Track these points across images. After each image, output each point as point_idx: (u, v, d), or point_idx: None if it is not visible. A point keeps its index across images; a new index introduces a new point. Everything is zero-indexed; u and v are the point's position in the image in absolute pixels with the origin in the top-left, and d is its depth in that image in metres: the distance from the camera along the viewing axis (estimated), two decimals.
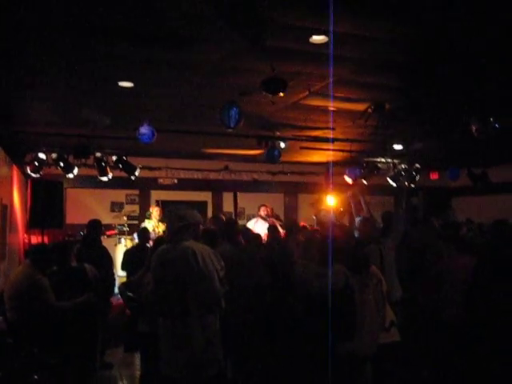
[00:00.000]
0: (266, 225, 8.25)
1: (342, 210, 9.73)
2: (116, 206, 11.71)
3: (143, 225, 9.63)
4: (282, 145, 8.73)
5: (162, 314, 4.06)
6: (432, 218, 7.00)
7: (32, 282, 5.28)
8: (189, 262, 3.88)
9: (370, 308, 4.06)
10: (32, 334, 5.24)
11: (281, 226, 8.49)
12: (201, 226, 4.32)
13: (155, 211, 9.78)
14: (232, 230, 5.64)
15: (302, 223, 8.70)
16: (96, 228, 6.85)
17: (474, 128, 6.37)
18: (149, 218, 9.85)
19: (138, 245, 7.31)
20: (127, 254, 7.02)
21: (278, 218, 9.57)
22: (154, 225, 9.57)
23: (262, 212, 9.28)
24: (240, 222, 6.98)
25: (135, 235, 9.19)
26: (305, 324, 3.39)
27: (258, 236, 6.21)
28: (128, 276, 6.67)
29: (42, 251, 5.63)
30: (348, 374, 3.84)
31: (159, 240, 5.12)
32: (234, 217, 9.71)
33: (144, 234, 7.36)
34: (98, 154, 9.06)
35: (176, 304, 3.92)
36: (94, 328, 5.78)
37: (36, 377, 5.29)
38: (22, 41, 4.46)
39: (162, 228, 9.17)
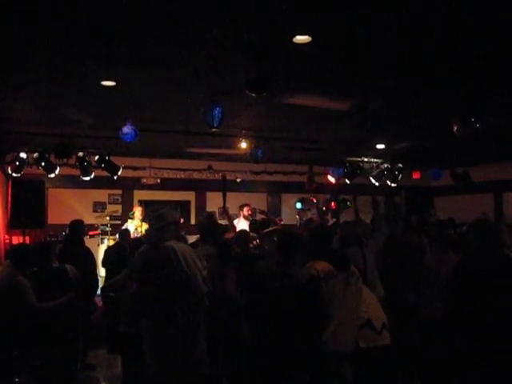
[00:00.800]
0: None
1: (324, 208, 9.73)
2: (99, 206, 11.61)
3: (126, 225, 9.59)
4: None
5: (145, 315, 4.03)
6: (411, 216, 7.08)
7: (12, 283, 5.20)
8: (171, 262, 3.86)
9: (351, 306, 4.11)
10: (12, 335, 5.18)
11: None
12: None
13: (138, 211, 9.74)
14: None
15: None
16: (78, 228, 6.79)
17: (455, 128, 6.44)
18: (132, 218, 9.80)
19: (118, 243, 7.35)
20: (108, 251, 7.08)
21: (262, 212, 9.47)
22: (136, 225, 9.53)
23: (246, 212, 9.26)
24: (222, 222, 6.90)
25: (118, 235, 9.16)
26: (273, 324, 3.40)
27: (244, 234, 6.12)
28: (107, 274, 6.67)
29: (22, 252, 5.55)
30: (329, 371, 3.86)
31: (136, 241, 5.11)
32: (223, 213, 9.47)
33: (125, 235, 7.40)
34: (81, 154, 8.99)
35: (160, 304, 3.90)
36: (75, 329, 5.73)
37: (17, 379, 5.23)
38: (4, 40, 4.41)
39: (144, 228, 9.12)
